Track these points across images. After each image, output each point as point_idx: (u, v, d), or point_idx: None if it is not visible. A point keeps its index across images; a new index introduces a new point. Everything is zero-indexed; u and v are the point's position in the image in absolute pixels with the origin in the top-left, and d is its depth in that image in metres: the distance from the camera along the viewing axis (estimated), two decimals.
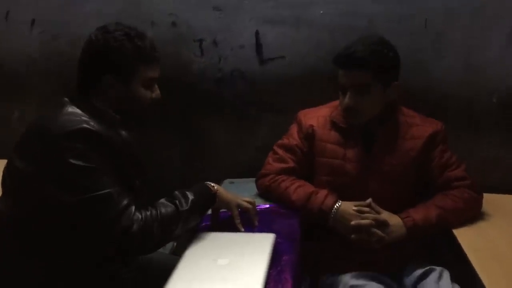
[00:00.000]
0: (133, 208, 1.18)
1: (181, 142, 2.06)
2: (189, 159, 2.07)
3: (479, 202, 1.56)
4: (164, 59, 1.91)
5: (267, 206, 1.59)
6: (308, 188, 1.55)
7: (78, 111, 1.22)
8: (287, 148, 1.63)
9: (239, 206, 1.43)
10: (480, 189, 1.56)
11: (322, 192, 1.51)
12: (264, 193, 1.64)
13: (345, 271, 1.49)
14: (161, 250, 1.84)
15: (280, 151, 1.64)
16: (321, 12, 1.83)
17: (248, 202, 1.45)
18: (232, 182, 1.84)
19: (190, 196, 1.29)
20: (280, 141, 1.67)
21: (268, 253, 1.26)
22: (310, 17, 1.84)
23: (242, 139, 2.01)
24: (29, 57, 2.05)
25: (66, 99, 1.25)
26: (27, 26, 1.99)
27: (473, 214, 1.53)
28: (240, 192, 1.69)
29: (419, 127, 1.57)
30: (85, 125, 1.17)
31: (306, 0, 1.83)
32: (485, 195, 1.58)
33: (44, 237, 1.20)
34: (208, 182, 1.40)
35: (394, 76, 1.52)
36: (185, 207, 1.26)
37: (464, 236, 1.44)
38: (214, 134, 2.02)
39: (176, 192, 1.30)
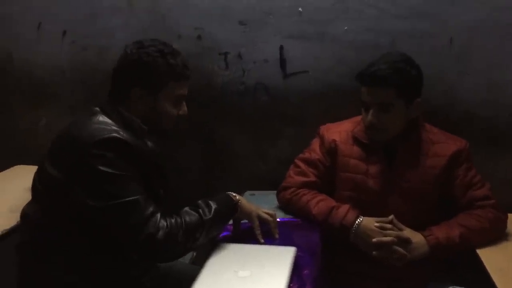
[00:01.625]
0: (159, 215, 1.21)
1: (203, 152, 2.08)
2: (210, 170, 2.09)
3: (504, 222, 1.53)
4: None
5: (288, 219, 1.59)
6: (330, 202, 1.55)
7: (109, 120, 1.25)
8: (309, 162, 1.64)
9: (259, 217, 1.44)
10: (504, 208, 1.54)
11: (344, 207, 1.51)
12: (285, 206, 1.64)
13: (365, 287, 1.48)
14: (180, 259, 1.87)
15: (301, 165, 1.65)
16: (345, 28, 1.85)
17: (268, 214, 1.46)
18: (253, 194, 1.84)
19: (213, 205, 1.31)
20: (301, 155, 1.68)
21: (289, 266, 1.26)
22: (334, 33, 1.86)
23: (263, 152, 2.02)
24: (58, 67, 2.10)
25: (97, 108, 1.29)
26: (58, 37, 2.05)
27: (498, 234, 1.50)
28: (260, 204, 1.69)
29: (443, 145, 1.56)
30: (115, 134, 1.20)
31: (331, 16, 1.85)
32: (510, 215, 1.56)
33: (70, 242, 1.23)
34: (230, 192, 1.41)
35: (417, 93, 1.52)
36: (208, 216, 1.28)
37: (488, 256, 1.41)
38: (235, 146, 2.04)
39: (200, 202, 1.32)
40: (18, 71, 2.14)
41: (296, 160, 1.68)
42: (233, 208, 1.39)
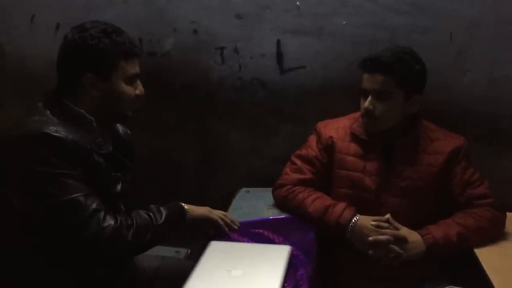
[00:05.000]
0: (103, 213, 1.17)
1: (198, 148, 2.05)
2: (205, 166, 2.06)
3: (502, 221, 1.51)
4: (184, 66, 1.96)
5: (283, 217, 1.57)
6: (326, 200, 1.53)
7: (49, 115, 1.19)
8: (305, 159, 1.61)
9: (213, 213, 1.45)
10: (503, 207, 1.52)
11: (340, 205, 1.49)
12: (280, 204, 1.62)
13: (361, 286, 1.46)
14: (175, 255, 1.86)
15: (298, 162, 1.62)
16: (344, 23, 1.81)
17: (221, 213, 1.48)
18: (248, 191, 1.83)
19: (164, 212, 1.30)
20: (298, 152, 1.66)
21: (283, 265, 1.24)
22: (332, 27, 1.82)
23: (259, 148, 2.00)
24: (51, 60, 2.05)
25: (40, 103, 1.23)
26: (52, 29, 2.02)
27: (495, 234, 1.49)
28: (256, 201, 1.70)
29: (441, 142, 1.54)
30: (45, 130, 1.14)
31: (329, 11, 1.81)
32: (508, 214, 1.54)
33: (14, 244, 1.19)
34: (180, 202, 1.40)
35: (417, 88, 1.50)
36: (159, 221, 1.27)
37: (486, 255, 1.40)
38: (231, 141, 2.01)
39: (152, 206, 1.31)
40: (11, 65, 2.10)
41: (292, 157, 1.66)
42: (182, 214, 1.36)
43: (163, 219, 1.28)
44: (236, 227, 1.47)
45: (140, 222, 1.23)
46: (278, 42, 1.88)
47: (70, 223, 1.14)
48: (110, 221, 1.16)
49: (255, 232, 1.46)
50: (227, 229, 1.45)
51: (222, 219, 1.46)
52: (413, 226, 1.45)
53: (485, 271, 1.32)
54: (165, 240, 1.32)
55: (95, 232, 1.14)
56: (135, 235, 1.20)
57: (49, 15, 2.02)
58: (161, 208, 1.31)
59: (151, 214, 1.27)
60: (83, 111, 1.22)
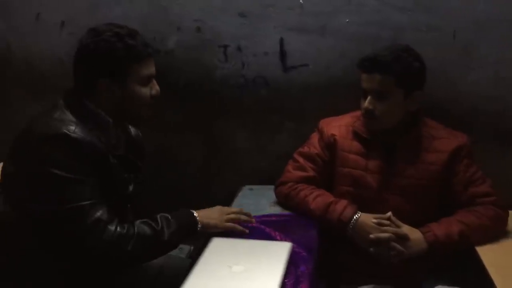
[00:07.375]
0: (105, 223, 1.16)
1: (202, 146, 2.06)
2: (209, 164, 2.07)
3: (504, 219, 1.51)
4: (188, 64, 1.97)
5: (285, 214, 1.58)
6: (328, 197, 1.53)
7: (68, 114, 1.20)
8: (308, 157, 1.62)
9: (228, 220, 1.40)
10: (506, 206, 1.52)
11: (342, 202, 1.49)
12: (282, 201, 1.63)
13: (362, 284, 1.46)
14: (177, 253, 1.86)
15: (300, 159, 1.63)
16: (347, 21, 1.81)
17: (233, 212, 1.44)
18: (251, 189, 1.83)
19: (174, 225, 1.27)
20: (300, 149, 1.66)
21: (284, 262, 1.25)
22: (335, 26, 1.82)
23: (263, 146, 2.00)
24: (57, 58, 2.08)
25: (61, 101, 1.24)
26: (57, 27, 2.04)
27: (497, 232, 1.48)
28: (259, 199, 1.70)
29: (443, 140, 1.54)
30: (64, 131, 1.14)
31: (332, 9, 1.81)
32: (510, 212, 1.53)
33: (28, 243, 1.20)
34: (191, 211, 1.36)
35: (417, 85, 1.50)
36: (165, 233, 1.24)
37: (487, 254, 1.39)
38: (234, 140, 2.02)
39: (161, 217, 1.28)
40: (17, 63, 2.12)
41: (294, 155, 1.66)
42: (193, 228, 1.33)
43: (170, 232, 1.25)
44: (252, 221, 1.44)
45: (142, 233, 1.21)
46: (281, 40, 1.88)
47: (72, 230, 1.15)
48: (111, 232, 1.16)
49: (257, 229, 1.46)
50: (240, 229, 1.40)
51: (238, 217, 1.42)
52: (415, 225, 1.45)
53: (487, 269, 1.32)
54: (170, 251, 1.30)
55: (94, 242, 1.15)
56: (136, 246, 1.19)
57: (54, 13, 2.03)
58: (172, 221, 1.27)
59: (155, 226, 1.24)
60: (102, 112, 1.24)
